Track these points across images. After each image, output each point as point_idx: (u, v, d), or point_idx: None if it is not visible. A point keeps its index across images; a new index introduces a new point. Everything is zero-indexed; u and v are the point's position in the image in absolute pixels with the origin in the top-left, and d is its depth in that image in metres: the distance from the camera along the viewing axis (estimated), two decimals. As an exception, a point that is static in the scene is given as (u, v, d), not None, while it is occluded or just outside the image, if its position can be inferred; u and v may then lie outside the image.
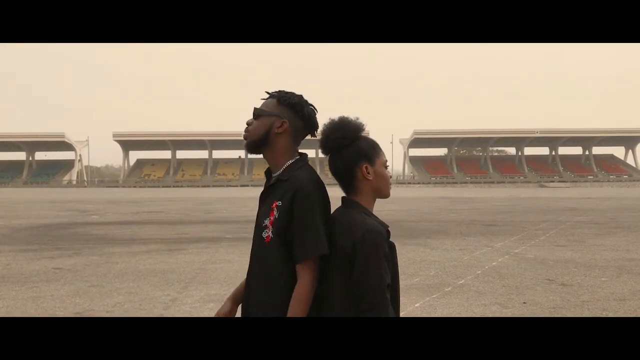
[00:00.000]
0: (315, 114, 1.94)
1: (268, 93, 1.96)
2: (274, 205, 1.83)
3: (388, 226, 1.86)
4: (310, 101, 1.96)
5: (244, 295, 1.95)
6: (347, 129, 1.88)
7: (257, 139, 1.91)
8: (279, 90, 1.95)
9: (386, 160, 1.92)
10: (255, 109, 1.93)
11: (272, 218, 1.83)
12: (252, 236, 1.95)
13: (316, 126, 1.94)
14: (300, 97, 1.93)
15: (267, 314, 1.80)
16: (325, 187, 1.89)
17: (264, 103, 1.94)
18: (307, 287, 1.76)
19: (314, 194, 1.81)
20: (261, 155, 1.96)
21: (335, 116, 1.93)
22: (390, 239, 1.85)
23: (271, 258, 1.82)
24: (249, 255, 1.96)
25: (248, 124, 1.93)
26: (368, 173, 1.86)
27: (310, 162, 1.95)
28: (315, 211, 1.79)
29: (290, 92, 1.94)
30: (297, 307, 1.75)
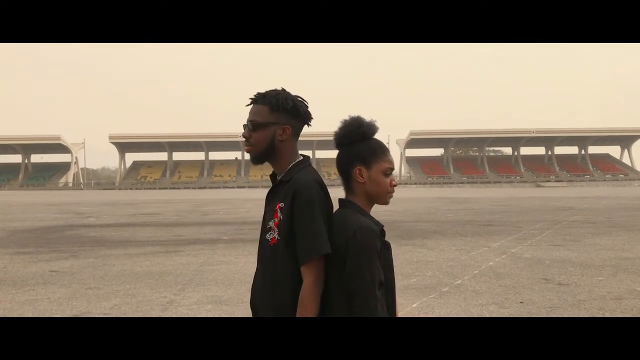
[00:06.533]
0: (308, 107, 1.94)
1: (252, 99, 1.93)
2: (278, 207, 1.84)
3: (383, 225, 1.86)
4: (300, 99, 1.94)
5: (252, 296, 1.95)
6: (349, 128, 1.87)
7: (263, 151, 1.90)
8: (264, 94, 1.91)
9: (389, 168, 1.88)
10: (252, 122, 1.89)
11: (276, 220, 1.83)
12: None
13: (311, 118, 1.96)
14: (291, 97, 1.91)
15: (274, 315, 1.80)
16: (326, 187, 1.88)
17: (255, 112, 1.90)
18: (312, 287, 1.75)
19: (315, 194, 1.80)
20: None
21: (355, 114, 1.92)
22: (387, 239, 1.84)
23: (277, 259, 1.82)
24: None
25: (246, 137, 1.90)
26: (361, 176, 1.85)
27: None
28: (316, 211, 1.78)
29: (274, 92, 1.90)
30: (307, 308, 1.74)
